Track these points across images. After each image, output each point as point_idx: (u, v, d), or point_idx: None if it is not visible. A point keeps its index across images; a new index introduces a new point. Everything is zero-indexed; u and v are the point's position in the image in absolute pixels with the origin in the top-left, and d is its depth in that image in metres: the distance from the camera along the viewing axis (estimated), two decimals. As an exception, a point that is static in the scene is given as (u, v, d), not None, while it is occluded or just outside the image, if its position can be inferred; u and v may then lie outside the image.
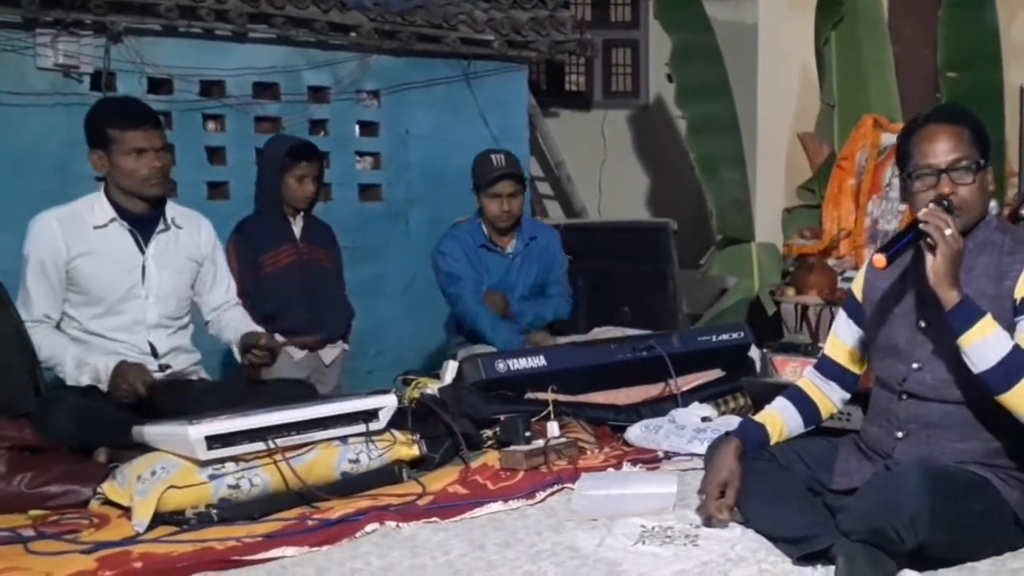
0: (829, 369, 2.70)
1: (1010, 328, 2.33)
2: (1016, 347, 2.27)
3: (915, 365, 2.44)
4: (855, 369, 2.68)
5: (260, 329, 3.59)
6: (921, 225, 2.31)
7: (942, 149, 2.41)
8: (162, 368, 3.34)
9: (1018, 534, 2.35)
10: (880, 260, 2.36)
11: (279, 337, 4.07)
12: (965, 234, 2.41)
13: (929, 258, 2.29)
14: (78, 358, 3.24)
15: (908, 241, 2.37)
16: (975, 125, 2.45)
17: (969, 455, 2.38)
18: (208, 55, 4.99)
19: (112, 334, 3.32)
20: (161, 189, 3.33)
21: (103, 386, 3.21)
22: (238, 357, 3.56)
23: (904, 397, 2.46)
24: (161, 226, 3.39)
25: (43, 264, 3.26)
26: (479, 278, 4.37)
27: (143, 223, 3.36)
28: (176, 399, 3.23)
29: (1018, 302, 2.33)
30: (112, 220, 3.31)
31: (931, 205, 2.36)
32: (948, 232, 2.27)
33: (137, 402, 3.15)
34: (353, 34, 5.39)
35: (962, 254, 2.29)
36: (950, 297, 2.28)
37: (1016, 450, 2.37)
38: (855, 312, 2.66)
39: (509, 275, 4.43)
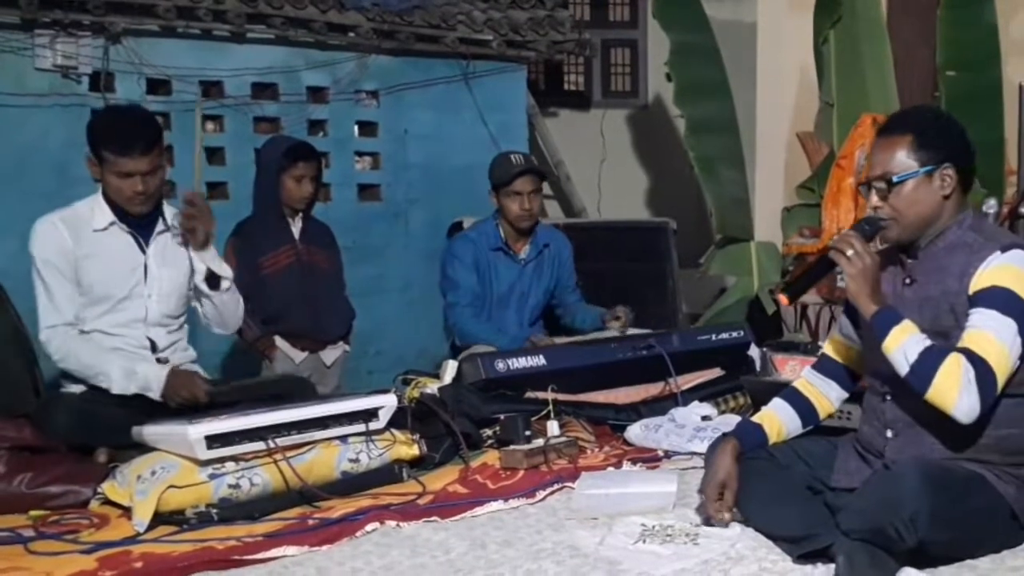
0: (828, 368, 2.70)
1: None
2: (926, 349, 2.30)
3: (895, 366, 2.45)
4: (854, 368, 2.67)
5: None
6: (829, 253, 2.42)
7: (872, 162, 2.49)
8: (160, 362, 3.34)
9: (1016, 530, 2.35)
10: (783, 300, 2.53)
11: (278, 340, 4.08)
12: (919, 238, 2.44)
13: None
14: (126, 368, 3.23)
15: (816, 275, 2.54)
16: (924, 130, 2.45)
17: (958, 452, 2.38)
18: (207, 56, 4.97)
19: (112, 330, 3.32)
20: (143, 209, 3.33)
21: (154, 395, 3.21)
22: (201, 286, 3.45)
23: (888, 397, 2.47)
24: (160, 227, 3.41)
25: (56, 266, 3.26)
26: (480, 290, 4.33)
27: (142, 225, 3.37)
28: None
29: (971, 296, 2.35)
30: (111, 223, 3.32)
31: (847, 229, 2.47)
32: (850, 252, 2.36)
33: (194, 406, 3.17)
34: (351, 34, 5.38)
35: (871, 269, 2.37)
36: (868, 309, 2.37)
37: (1005, 446, 2.37)
38: (852, 312, 2.66)
39: (521, 281, 4.41)
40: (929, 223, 2.44)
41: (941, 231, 2.45)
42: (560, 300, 4.56)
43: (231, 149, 5.08)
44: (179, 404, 3.19)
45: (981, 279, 2.34)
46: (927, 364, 2.28)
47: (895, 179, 2.42)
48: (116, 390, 3.22)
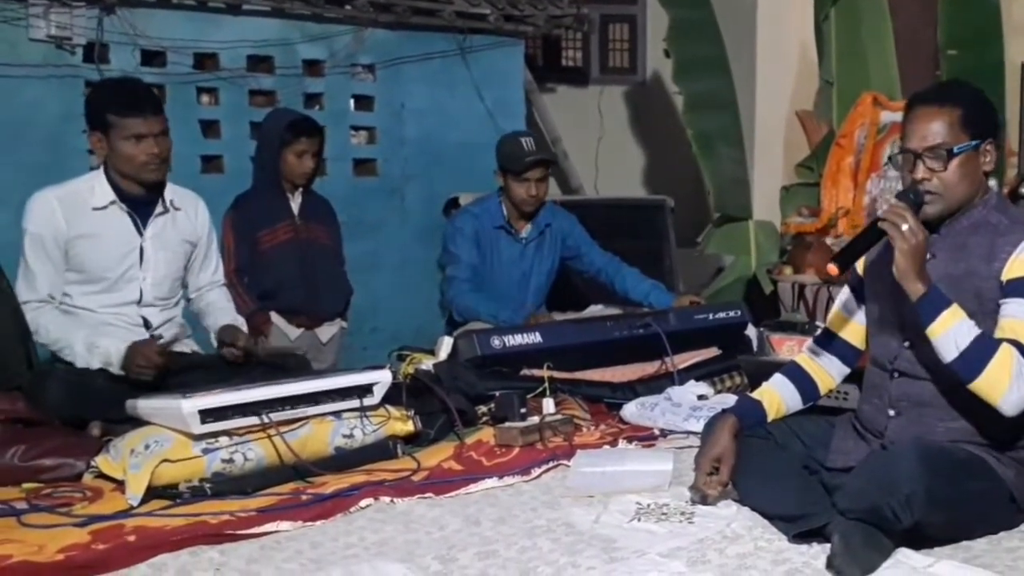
0: (829, 342, 2.69)
1: (998, 309, 2.33)
2: (978, 337, 2.26)
3: (906, 343, 2.44)
4: (856, 343, 2.66)
5: (240, 319, 3.58)
6: (880, 224, 2.35)
7: (921, 133, 2.41)
8: (155, 339, 3.32)
9: (1014, 513, 2.35)
10: (833, 269, 2.42)
11: (274, 316, 4.06)
12: (955, 213, 2.42)
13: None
14: (88, 341, 3.22)
15: (865, 244, 2.45)
16: (971, 104, 2.43)
17: (961, 434, 2.38)
18: (202, 27, 4.93)
19: (102, 310, 3.31)
20: (160, 175, 3.32)
21: (114, 369, 3.19)
22: (214, 343, 3.55)
23: (896, 375, 2.46)
24: (160, 208, 3.39)
25: (44, 243, 3.25)
26: (480, 267, 4.29)
27: (142, 205, 3.35)
28: (168, 373, 3.22)
29: (1004, 283, 2.33)
30: (112, 202, 3.29)
31: (893, 200, 2.39)
32: (905, 227, 2.30)
33: (157, 376, 3.14)
34: (348, 7, 5.33)
35: (923, 247, 2.31)
36: (915, 289, 2.30)
37: (1008, 429, 2.36)
38: (857, 287, 2.65)
39: (523, 261, 4.37)
40: (969, 200, 2.42)
41: (968, 209, 2.43)
42: (591, 266, 4.48)
43: (226, 122, 5.05)
44: (138, 375, 3.15)
45: (1015, 266, 2.32)
46: (979, 353, 2.25)
47: (956, 150, 2.38)
48: (80, 364, 3.21)
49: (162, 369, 3.17)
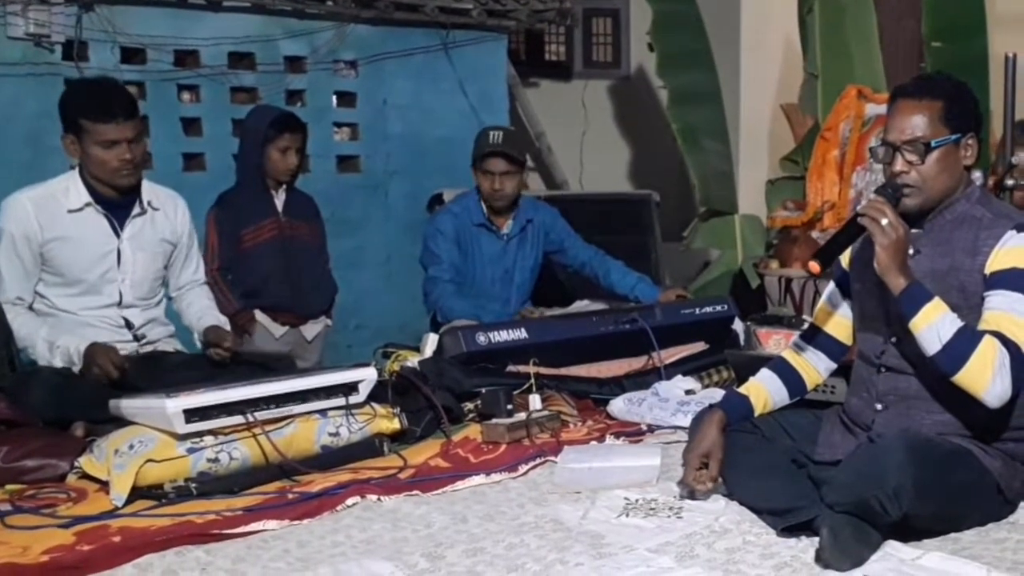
0: (816, 338, 2.69)
1: (982, 302, 2.34)
2: (961, 330, 2.27)
3: (892, 338, 2.44)
4: (843, 339, 2.66)
5: (222, 319, 3.55)
6: (859, 219, 2.35)
7: (900, 126, 2.42)
8: (137, 339, 3.29)
9: (1001, 504, 2.36)
10: (814, 267, 2.41)
11: (258, 314, 4.04)
12: (935, 207, 2.42)
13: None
14: (50, 340, 3.20)
15: (846, 240, 2.45)
16: (952, 98, 2.43)
17: (948, 426, 2.38)
18: (182, 24, 4.90)
19: (84, 312, 3.28)
20: (132, 180, 3.29)
21: (76, 368, 3.17)
22: (198, 343, 3.52)
23: (882, 370, 2.46)
24: (137, 209, 3.36)
25: (15, 245, 3.22)
26: (462, 266, 4.28)
27: (118, 206, 3.32)
28: (151, 373, 3.19)
29: (988, 276, 2.33)
30: (87, 204, 3.26)
31: (873, 195, 2.40)
32: (884, 222, 2.30)
33: (111, 383, 3.11)
34: (330, 3, 5.31)
35: (903, 241, 2.31)
36: (897, 284, 2.31)
37: (995, 421, 2.36)
38: (842, 282, 2.65)
39: (505, 258, 4.35)
40: (949, 193, 2.42)
41: (950, 203, 2.43)
42: (575, 260, 4.46)
43: (208, 120, 5.02)
44: (95, 378, 3.12)
45: (998, 259, 2.32)
46: (961, 346, 2.25)
47: (933, 144, 2.38)
48: (42, 363, 3.19)
49: (119, 377, 3.13)
